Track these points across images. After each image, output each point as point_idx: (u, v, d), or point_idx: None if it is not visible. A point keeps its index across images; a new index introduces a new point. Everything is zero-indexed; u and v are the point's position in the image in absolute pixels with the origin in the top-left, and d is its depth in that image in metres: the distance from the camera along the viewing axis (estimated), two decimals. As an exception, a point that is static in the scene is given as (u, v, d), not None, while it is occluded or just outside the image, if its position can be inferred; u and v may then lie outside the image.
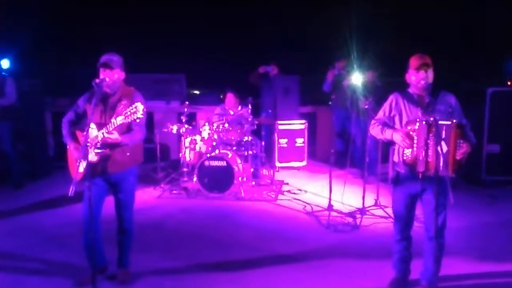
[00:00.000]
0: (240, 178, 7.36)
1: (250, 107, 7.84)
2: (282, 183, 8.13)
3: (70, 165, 4.55)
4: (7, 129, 7.61)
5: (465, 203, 6.93)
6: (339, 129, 8.77)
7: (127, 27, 11.93)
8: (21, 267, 5.05)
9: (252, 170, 7.88)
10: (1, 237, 5.85)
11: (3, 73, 7.78)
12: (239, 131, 7.60)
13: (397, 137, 4.11)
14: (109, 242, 4.67)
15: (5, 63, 8.19)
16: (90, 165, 4.12)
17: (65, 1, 11.87)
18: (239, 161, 7.51)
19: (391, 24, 10.54)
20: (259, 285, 4.68)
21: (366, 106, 6.55)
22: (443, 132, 3.93)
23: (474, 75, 9.48)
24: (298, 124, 9.13)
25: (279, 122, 8.98)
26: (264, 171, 8.39)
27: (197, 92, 11.68)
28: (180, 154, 7.92)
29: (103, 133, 4.12)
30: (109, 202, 4.58)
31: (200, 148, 7.70)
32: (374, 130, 4.36)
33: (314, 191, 7.68)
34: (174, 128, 7.77)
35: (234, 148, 7.65)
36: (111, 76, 4.26)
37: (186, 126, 7.73)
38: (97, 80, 4.19)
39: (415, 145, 4.03)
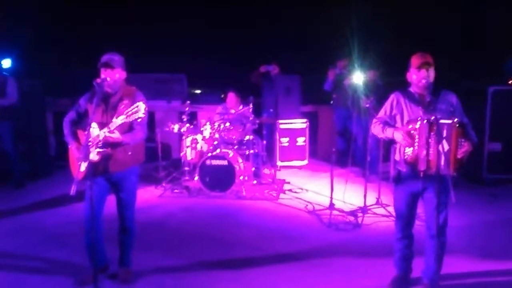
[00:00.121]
0: (241, 177, 7.37)
1: (251, 106, 7.84)
2: (283, 182, 8.13)
3: (71, 165, 4.55)
4: (8, 129, 7.61)
5: (466, 201, 6.93)
6: (341, 128, 8.77)
7: (128, 27, 11.94)
8: (22, 267, 5.06)
9: (253, 169, 7.88)
10: (2, 236, 5.86)
11: (4, 73, 7.79)
12: (240, 130, 7.61)
13: (398, 135, 4.11)
14: (110, 241, 4.68)
15: (7, 63, 8.20)
16: (92, 165, 4.13)
17: (66, 1, 11.88)
18: (240, 160, 7.52)
19: (391, 24, 10.54)
20: (261, 284, 4.68)
21: (367, 105, 6.55)
22: (444, 131, 3.93)
23: (475, 74, 9.46)
24: (300, 123, 9.12)
25: (281, 121, 8.98)
26: (266, 170, 8.39)
27: (198, 91, 11.68)
28: (182, 153, 7.93)
29: (104, 132, 4.13)
30: (111, 201, 4.58)
31: (201, 147, 7.71)
32: (375, 129, 4.37)
33: (316, 190, 7.68)
34: (176, 127, 7.78)
35: (236, 147, 7.65)
36: (112, 75, 4.26)
37: (187, 125, 7.73)
38: (98, 80, 4.20)
39: (416, 144, 4.03)
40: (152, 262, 5.05)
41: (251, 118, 7.70)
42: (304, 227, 6.20)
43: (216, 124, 7.59)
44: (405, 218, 4.37)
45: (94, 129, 4.20)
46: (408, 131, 4.07)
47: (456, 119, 3.99)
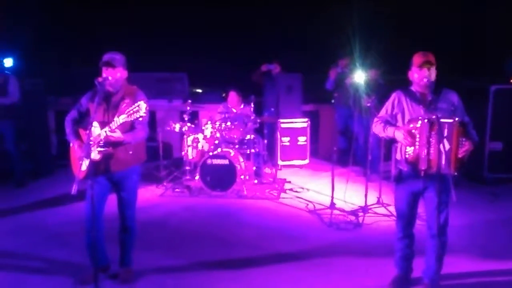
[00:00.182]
0: (242, 177, 7.37)
1: (252, 105, 7.84)
2: (284, 181, 8.13)
3: (73, 164, 4.55)
4: (9, 128, 7.61)
5: (467, 201, 6.93)
6: (342, 127, 8.77)
7: (129, 26, 11.95)
8: (23, 266, 5.06)
9: (254, 168, 7.88)
10: (3, 235, 5.87)
11: (6, 72, 7.79)
12: (241, 129, 7.61)
13: (399, 135, 4.11)
14: (111, 240, 4.68)
15: (8, 62, 8.20)
16: (93, 164, 4.14)
17: (67, 1, 11.89)
18: (241, 159, 7.52)
19: (392, 23, 10.53)
20: (261, 283, 4.69)
21: (369, 104, 6.55)
22: (445, 130, 3.92)
23: (476, 73, 9.45)
24: (301, 123, 9.11)
25: (282, 120, 8.97)
26: (267, 170, 8.38)
27: (199, 90, 11.67)
28: (183, 153, 7.93)
29: (106, 131, 4.13)
30: (112, 201, 4.59)
31: (202, 146, 7.71)
32: (377, 128, 4.37)
33: (317, 189, 7.68)
34: (177, 126, 7.77)
35: (237, 146, 7.65)
36: (113, 74, 4.27)
37: (188, 124, 7.74)
38: (99, 79, 4.20)
39: (417, 143, 4.03)
40: (153, 262, 5.06)
41: (252, 117, 7.70)
42: (305, 226, 6.21)
43: (217, 123, 7.59)
44: (406, 217, 4.37)
45: (96, 128, 4.21)
46: (409, 130, 4.07)
47: (457, 118, 3.99)
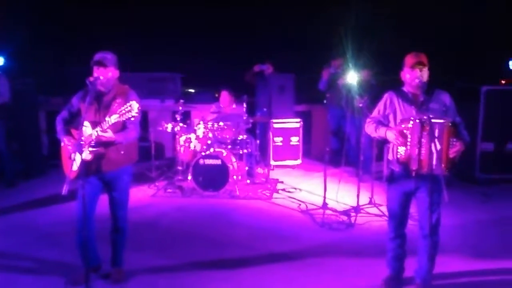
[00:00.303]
0: (235, 177, 7.36)
1: (245, 105, 7.84)
2: (277, 181, 8.13)
3: (64, 164, 4.53)
4: (0, 128, 7.56)
5: (459, 201, 6.95)
6: (334, 127, 8.78)
7: (122, 26, 11.91)
8: (13, 266, 5.03)
9: (247, 168, 7.87)
10: (-5, 235, 5.84)
11: (-3, 71, 7.74)
12: (234, 129, 7.60)
13: (391, 135, 4.11)
14: (103, 240, 4.65)
15: (0, 61, 8.15)
16: (84, 164, 4.11)
17: (59, 0, 11.83)
18: (234, 159, 7.51)
19: (391, 24, 10.55)
20: (253, 283, 4.68)
21: (361, 105, 6.56)
22: (436, 131, 3.93)
23: (468, 74, 9.50)
24: (293, 123, 9.12)
25: (274, 120, 8.98)
26: (259, 170, 8.38)
27: (192, 90, 11.66)
28: (175, 153, 7.91)
29: (97, 131, 4.11)
30: (104, 201, 4.56)
31: (195, 146, 7.69)
32: (369, 128, 4.37)
33: (309, 190, 7.68)
34: (169, 126, 7.76)
35: (229, 146, 7.64)
36: (105, 74, 4.24)
37: (180, 124, 7.72)
38: (91, 78, 4.18)
39: (408, 143, 4.04)
40: (145, 262, 5.04)
41: (244, 117, 7.69)
42: (297, 226, 6.20)
43: (210, 124, 7.58)
44: (398, 217, 4.38)
45: (87, 128, 4.18)
46: (400, 130, 4.08)
47: (448, 119, 4.01)
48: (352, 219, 6.34)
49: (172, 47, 11.49)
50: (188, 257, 5.22)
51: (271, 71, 9.14)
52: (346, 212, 6.56)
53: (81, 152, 4.03)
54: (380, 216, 6.39)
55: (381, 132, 4.22)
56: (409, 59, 4.16)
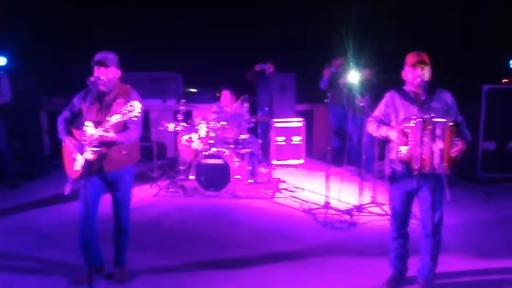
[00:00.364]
0: (236, 176, 7.35)
1: (246, 104, 7.83)
2: (279, 181, 8.13)
3: (66, 164, 4.52)
4: (1, 128, 7.55)
5: (461, 200, 6.95)
6: (336, 127, 8.77)
7: (123, 25, 11.93)
8: (16, 266, 5.03)
9: (249, 168, 7.87)
10: (-3, 236, 5.84)
11: (-2, 71, 7.74)
12: (235, 129, 7.60)
13: (393, 134, 4.11)
14: (105, 240, 4.66)
15: (1, 61, 8.15)
16: (87, 164, 4.11)
17: (61, 0, 11.83)
18: (236, 159, 7.50)
19: (391, 23, 10.54)
20: (255, 283, 4.68)
21: (363, 104, 6.55)
22: (438, 130, 3.92)
23: (469, 72, 9.49)
24: (295, 122, 9.12)
25: (276, 120, 8.97)
26: (261, 169, 8.37)
27: (193, 90, 11.66)
28: (177, 152, 7.90)
29: (99, 131, 4.11)
30: (106, 201, 4.57)
31: (196, 146, 7.68)
32: (370, 127, 4.37)
33: (311, 189, 7.68)
34: (171, 126, 7.75)
35: (231, 146, 7.63)
36: (106, 74, 4.24)
37: (182, 124, 7.71)
38: (92, 78, 4.18)
39: (410, 143, 4.04)
40: (147, 262, 5.04)
41: (246, 117, 7.69)
42: (300, 226, 6.20)
43: (212, 123, 7.58)
44: (401, 217, 4.37)
45: (89, 128, 4.18)
46: (402, 129, 4.07)
47: (450, 118, 4.00)
48: (355, 218, 6.33)
49: (173, 47, 11.50)
50: (190, 257, 5.22)
51: (272, 70, 9.14)
52: (348, 212, 6.56)
53: (83, 152, 4.03)
54: (382, 215, 6.39)
55: (383, 131, 4.22)
56: (410, 58, 4.16)
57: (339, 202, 6.87)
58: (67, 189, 3.76)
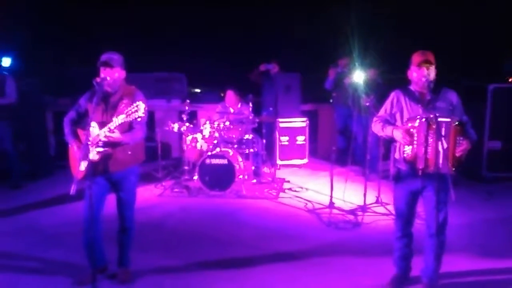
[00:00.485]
0: (241, 176, 7.36)
1: (251, 105, 7.84)
2: (283, 181, 8.13)
3: (71, 164, 4.54)
4: (7, 129, 7.56)
5: (466, 200, 6.93)
6: (341, 126, 8.77)
7: (128, 26, 11.94)
8: (20, 266, 5.05)
9: (253, 168, 7.88)
10: (1, 236, 5.85)
11: (3, 72, 7.75)
12: (240, 129, 7.60)
13: (397, 134, 4.11)
14: (109, 241, 4.67)
15: (7, 62, 8.17)
16: (92, 164, 4.13)
17: (66, 1, 11.87)
18: (240, 159, 7.51)
19: (392, 23, 10.52)
20: (259, 283, 4.68)
21: (368, 104, 6.54)
22: (443, 129, 3.92)
23: (475, 73, 9.45)
24: (299, 122, 9.11)
25: (280, 120, 8.97)
26: (265, 169, 8.38)
27: (198, 90, 11.67)
28: (181, 153, 7.91)
29: (104, 131, 4.12)
30: (111, 201, 4.58)
31: (201, 146, 7.69)
32: (376, 127, 4.37)
33: (316, 189, 7.67)
34: (175, 126, 7.76)
35: (235, 146, 7.64)
36: (111, 75, 4.26)
37: (187, 124, 7.73)
38: (98, 79, 4.20)
39: (415, 142, 4.03)
40: (151, 262, 5.05)
41: (250, 117, 7.69)
42: (304, 226, 6.20)
43: (216, 123, 7.58)
44: (405, 216, 4.37)
45: (94, 129, 4.20)
46: (407, 129, 4.07)
47: (455, 118, 3.99)
48: (359, 218, 6.33)
49: (177, 47, 11.51)
50: (194, 257, 5.22)
51: (277, 71, 9.14)
52: (352, 211, 6.55)
53: (88, 153, 4.04)
54: (387, 215, 6.38)
55: (388, 131, 4.21)
56: (416, 58, 4.16)
57: (343, 202, 6.86)
58: (73, 189, 3.76)
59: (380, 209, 6.60)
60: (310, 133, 9.28)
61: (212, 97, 10.08)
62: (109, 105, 4.32)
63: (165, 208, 6.87)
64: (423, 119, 3.98)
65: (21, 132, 8.15)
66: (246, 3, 11.87)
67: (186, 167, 7.84)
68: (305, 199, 7.18)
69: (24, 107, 8.02)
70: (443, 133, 3.90)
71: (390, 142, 4.44)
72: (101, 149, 4.21)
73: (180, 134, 8.21)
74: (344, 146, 8.52)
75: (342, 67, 8.48)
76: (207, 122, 7.71)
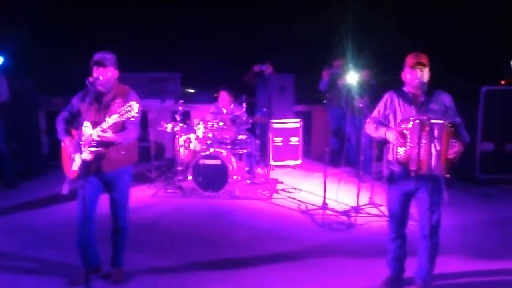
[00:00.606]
0: (234, 177, 7.35)
1: (244, 105, 7.83)
2: (276, 181, 8.13)
3: (64, 164, 4.52)
4: (-1, 128, 7.56)
5: (459, 201, 6.95)
6: (335, 128, 8.78)
7: (122, 26, 11.90)
8: (14, 267, 5.02)
9: (246, 168, 7.88)
10: (-5, 236, 5.83)
11: (-5, 71, 7.72)
12: (234, 129, 7.59)
13: (391, 135, 4.12)
14: (103, 241, 4.65)
15: None
16: (85, 164, 4.11)
17: (66, 1, 11.82)
18: (233, 159, 7.50)
19: (391, 23, 10.54)
20: (253, 284, 4.67)
21: (361, 105, 6.55)
22: (436, 131, 3.93)
23: (467, 74, 9.49)
24: (293, 123, 9.12)
25: (274, 120, 8.97)
26: (259, 170, 8.38)
27: (191, 90, 11.65)
28: (175, 153, 7.90)
29: (97, 131, 4.11)
30: (104, 201, 4.56)
31: (194, 146, 7.68)
32: (369, 128, 4.38)
33: (309, 190, 7.68)
34: (169, 126, 7.75)
35: (229, 146, 7.63)
36: (104, 74, 4.24)
37: (180, 124, 7.71)
38: (90, 79, 4.18)
39: (408, 144, 4.04)
40: (145, 263, 5.04)
41: (244, 118, 7.69)
42: (297, 227, 6.20)
43: (210, 124, 7.57)
44: (398, 218, 4.38)
45: (87, 128, 4.18)
46: (400, 130, 4.08)
47: (447, 120, 4.01)
48: (352, 219, 6.34)
49: (172, 47, 11.48)
50: (187, 258, 5.21)
51: (271, 71, 9.13)
52: (346, 213, 6.56)
53: (81, 152, 4.03)
54: (380, 216, 6.39)
55: (381, 132, 4.22)
56: (409, 59, 4.17)
57: (337, 203, 6.87)
58: (64, 189, 3.75)
59: (373, 210, 6.61)
60: (303, 134, 9.30)
61: (205, 97, 10.08)
62: (102, 104, 4.31)
63: (159, 209, 6.86)
64: (416, 121, 3.99)
65: (14, 131, 8.12)
66: (245, 3, 11.86)
67: (179, 168, 7.82)
68: (298, 200, 7.18)
69: (17, 106, 8.00)
70: (436, 135, 3.92)
71: (383, 143, 4.44)
72: (94, 149, 4.19)
73: (173, 135, 8.19)
74: (338, 147, 8.54)
75: (336, 68, 8.49)
76: (201, 122, 7.70)
